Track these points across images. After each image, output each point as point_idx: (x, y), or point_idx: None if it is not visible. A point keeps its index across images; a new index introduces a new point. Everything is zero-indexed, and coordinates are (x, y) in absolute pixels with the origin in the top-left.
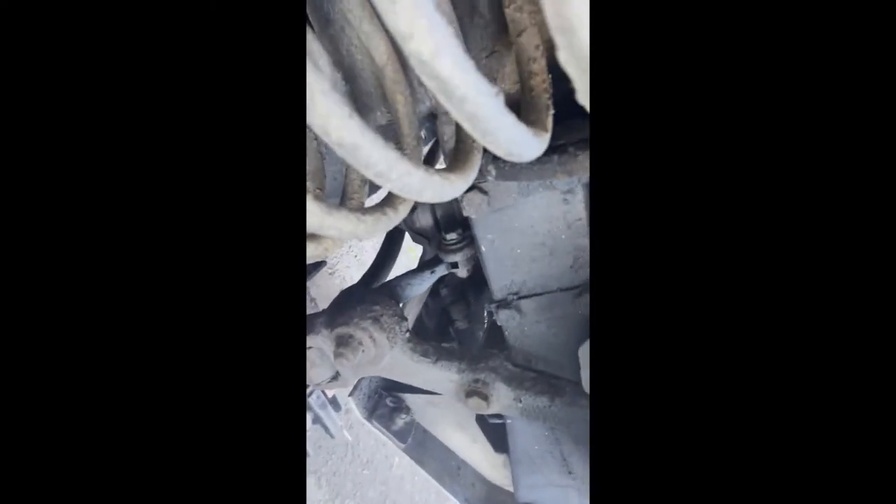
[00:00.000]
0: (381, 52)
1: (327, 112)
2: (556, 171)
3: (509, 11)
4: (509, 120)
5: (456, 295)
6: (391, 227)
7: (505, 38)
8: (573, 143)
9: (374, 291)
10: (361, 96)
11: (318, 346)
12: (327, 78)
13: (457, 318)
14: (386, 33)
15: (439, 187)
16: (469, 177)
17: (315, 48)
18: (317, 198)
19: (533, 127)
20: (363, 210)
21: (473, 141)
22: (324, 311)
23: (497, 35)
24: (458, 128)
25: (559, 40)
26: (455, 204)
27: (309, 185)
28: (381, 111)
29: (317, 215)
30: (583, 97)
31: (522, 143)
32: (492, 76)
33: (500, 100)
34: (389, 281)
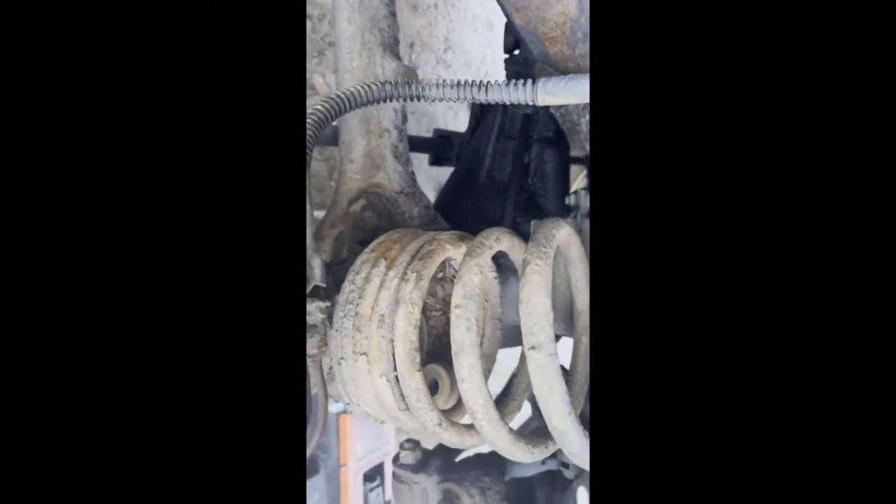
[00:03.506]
0: (583, 302)
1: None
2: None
3: None
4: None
5: (548, 478)
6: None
7: None
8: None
9: (484, 457)
10: None
11: (424, 486)
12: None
13: (539, 499)
14: None
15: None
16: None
17: None
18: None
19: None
20: (535, 443)
21: None
22: (436, 453)
23: None
24: None
25: None
26: None
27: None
28: (557, 324)
29: (505, 442)
30: None
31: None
32: None
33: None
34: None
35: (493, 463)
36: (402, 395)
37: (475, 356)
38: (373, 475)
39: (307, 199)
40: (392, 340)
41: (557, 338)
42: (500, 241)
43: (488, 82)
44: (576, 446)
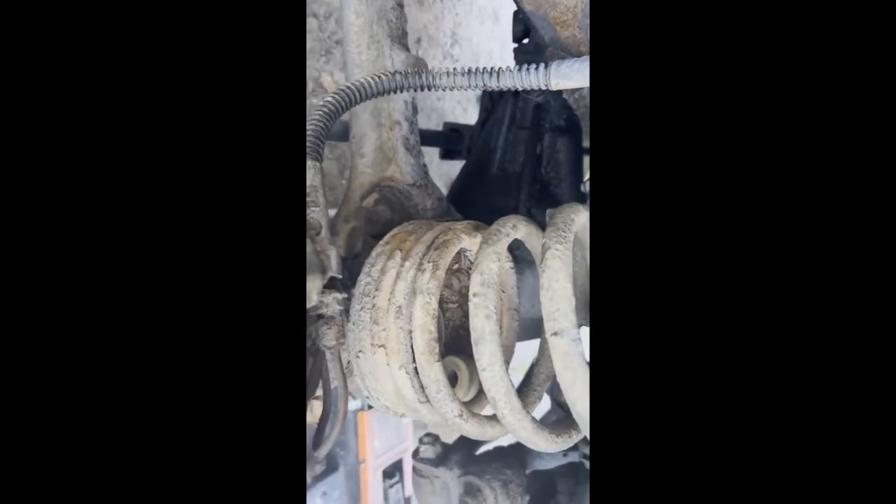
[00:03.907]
0: None
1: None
2: None
3: None
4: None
5: (569, 470)
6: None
7: None
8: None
9: (505, 450)
10: None
11: (445, 480)
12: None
13: (560, 492)
14: None
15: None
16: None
17: None
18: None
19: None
20: (558, 432)
21: None
22: (457, 447)
23: None
24: None
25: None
26: None
27: None
28: (578, 314)
29: (528, 432)
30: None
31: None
32: None
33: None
34: (521, 444)
35: (514, 456)
36: (421, 386)
37: (495, 344)
38: (392, 472)
39: (323, 194)
40: (410, 331)
41: (578, 327)
42: (517, 228)
43: (500, 68)
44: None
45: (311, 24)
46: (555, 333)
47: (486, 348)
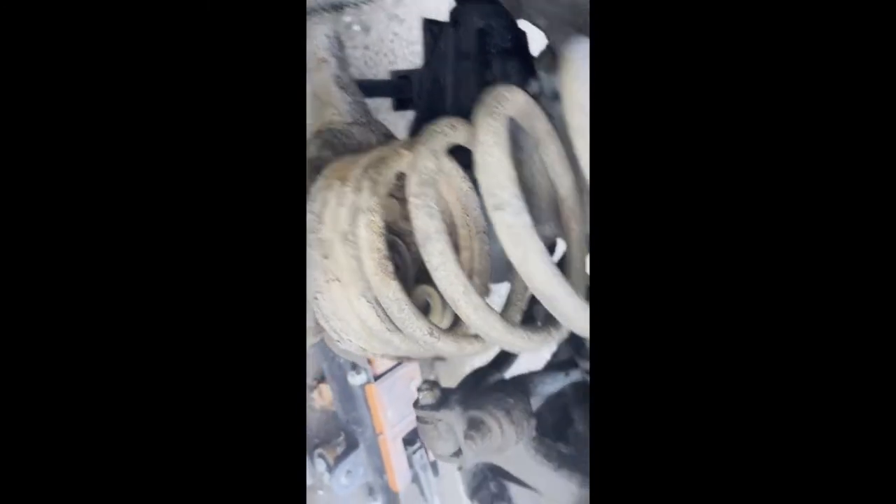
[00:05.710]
0: (566, 186)
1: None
2: None
3: None
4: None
5: (580, 395)
6: (554, 345)
7: None
8: None
9: (507, 382)
10: (535, 210)
11: (449, 421)
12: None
13: (576, 419)
14: (572, 171)
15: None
16: None
17: None
18: (505, 319)
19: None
20: (534, 329)
21: None
22: (457, 388)
23: None
24: None
25: None
26: None
27: (478, 281)
28: (549, 225)
29: (499, 332)
30: None
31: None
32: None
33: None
34: (523, 375)
35: (515, 385)
36: (385, 313)
37: (444, 242)
38: (412, 438)
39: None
40: (359, 255)
41: (552, 245)
42: (456, 128)
43: None
44: (570, 308)
45: None
46: (497, 208)
47: (434, 247)
